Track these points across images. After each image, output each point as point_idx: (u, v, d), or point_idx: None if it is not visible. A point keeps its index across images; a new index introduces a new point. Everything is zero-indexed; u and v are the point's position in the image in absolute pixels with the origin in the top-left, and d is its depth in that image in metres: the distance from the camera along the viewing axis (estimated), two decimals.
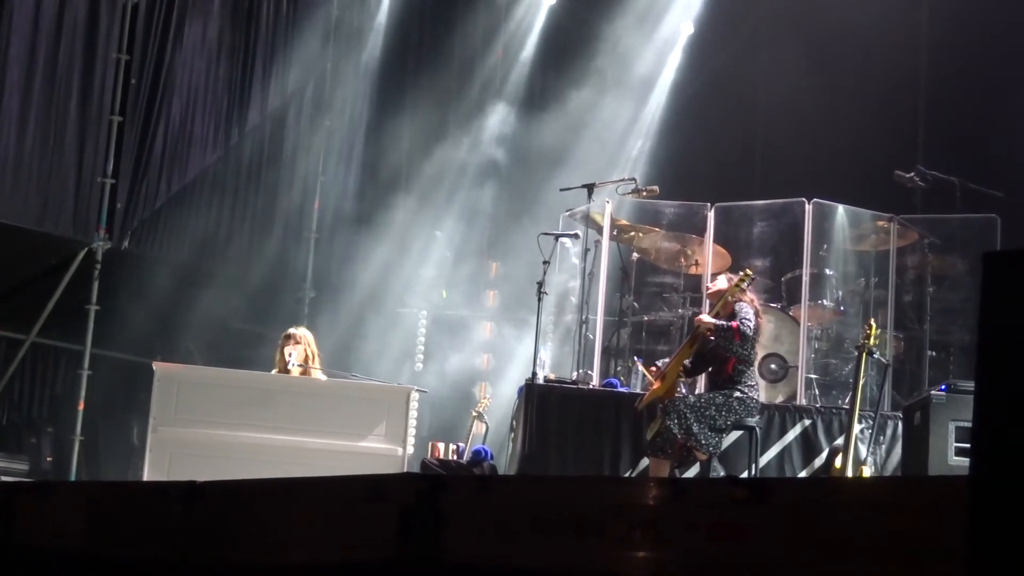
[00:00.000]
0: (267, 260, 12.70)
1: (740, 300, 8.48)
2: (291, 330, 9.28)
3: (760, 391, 8.74)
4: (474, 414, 10.67)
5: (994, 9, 12.23)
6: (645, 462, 8.64)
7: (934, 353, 10.46)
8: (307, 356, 8.99)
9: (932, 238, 10.58)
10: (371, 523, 2.80)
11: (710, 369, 8.71)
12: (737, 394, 8.26)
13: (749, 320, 8.35)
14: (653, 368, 8.74)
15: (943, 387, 8.56)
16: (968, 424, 7.93)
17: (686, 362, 8.67)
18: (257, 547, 2.98)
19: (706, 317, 8.47)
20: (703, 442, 8.09)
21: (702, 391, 9.57)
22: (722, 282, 8.69)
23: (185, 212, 12.02)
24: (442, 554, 2.66)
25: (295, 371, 8.85)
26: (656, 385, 8.43)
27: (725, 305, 8.47)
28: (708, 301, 8.90)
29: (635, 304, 10.94)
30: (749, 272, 8.57)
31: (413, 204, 13.55)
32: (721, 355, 8.40)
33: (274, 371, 9.05)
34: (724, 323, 8.32)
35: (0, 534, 3.49)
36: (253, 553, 2.97)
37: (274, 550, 2.95)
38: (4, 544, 3.47)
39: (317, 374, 8.99)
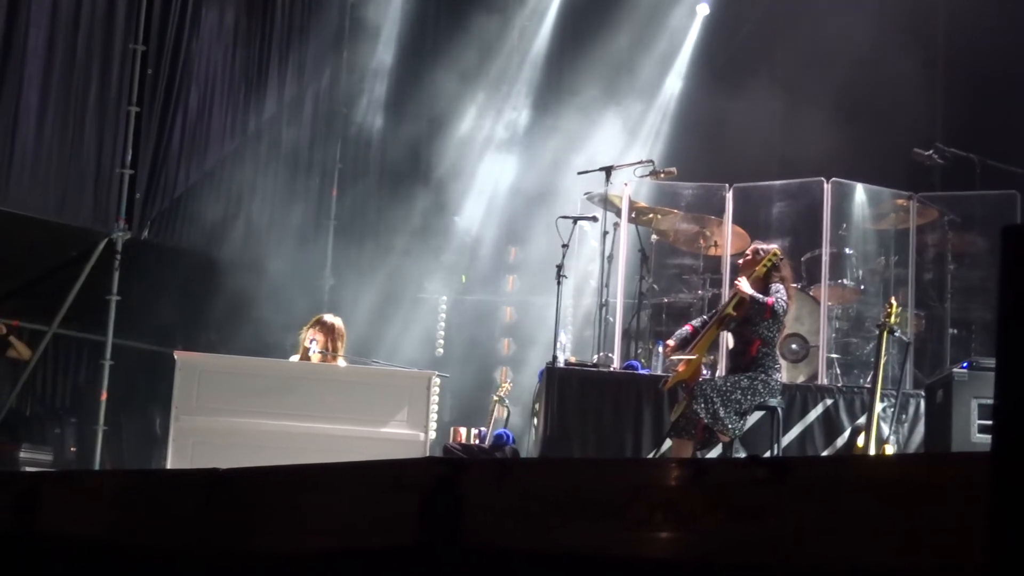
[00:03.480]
0: (286, 248, 12.72)
1: (776, 282, 8.37)
2: (324, 316, 9.21)
3: (782, 371, 8.70)
4: (495, 398, 10.67)
5: None
6: (667, 444, 8.63)
7: (955, 331, 10.43)
8: (327, 345, 8.96)
9: (952, 216, 10.54)
10: (392, 508, 2.80)
11: (732, 349, 8.66)
12: (762, 376, 8.21)
13: (784, 301, 8.28)
14: (670, 343, 8.69)
15: (965, 364, 8.53)
16: (990, 401, 7.89)
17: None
18: (279, 533, 2.99)
19: (745, 284, 8.32)
20: (729, 426, 8.05)
21: (722, 372, 9.56)
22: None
23: (204, 201, 12.04)
24: (463, 538, 2.66)
25: (315, 358, 8.85)
26: (681, 367, 8.40)
27: (756, 282, 8.35)
28: (741, 270, 8.74)
29: (654, 286, 10.93)
30: (777, 252, 8.46)
31: (431, 189, 13.55)
32: (747, 336, 8.35)
33: (295, 357, 9.05)
34: (760, 296, 8.22)
35: (26, 523, 3.50)
36: (275, 539, 2.98)
37: (296, 536, 2.96)
38: (30, 533, 3.48)
39: (338, 361, 8.98)
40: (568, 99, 13.53)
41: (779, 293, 8.28)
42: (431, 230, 13.42)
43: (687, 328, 8.69)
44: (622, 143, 12.95)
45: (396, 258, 13.18)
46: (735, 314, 8.31)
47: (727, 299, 8.71)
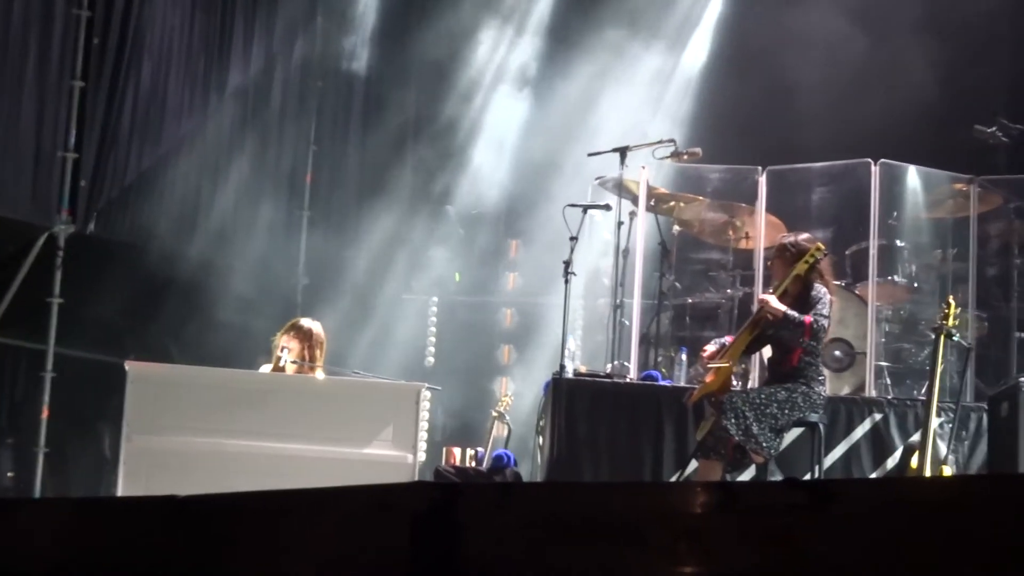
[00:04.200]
0: (254, 242, 12.72)
1: (818, 282, 8.34)
2: (301, 320, 9.24)
3: (826, 383, 8.70)
4: (494, 414, 10.69)
5: None
6: (692, 465, 8.65)
7: (1023, 334, 10.43)
8: (303, 354, 8.97)
9: (1018, 202, 10.55)
10: (378, 539, 2.81)
11: (771, 358, 8.66)
12: (802, 388, 8.21)
13: (825, 315, 8.24)
14: (705, 351, 8.69)
15: None
16: None
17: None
18: (247, 568, 3.00)
19: (774, 300, 8.30)
20: (763, 444, 8.05)
21: (755, 383, 9.58)
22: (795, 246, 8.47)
23: (159, 189, 12.05)
24: (459, 571, 2.67)
25: (289, 369, 8.86)
26: (709, 377, 8.41)
27: (796, 282, 8.34)
28: (771, 270, 8.74)
29: (677, 284, 10.95)
30: (821, 246, 8.44)
31: (420, 174, 13.55)
32: (786, 344, 8.35)
33: (266, 367, 9.06)
34: (795, 315, 8.19)
35: None
36: (243, 575, 2.99)
37: (267, 571, 2.97)
38: None
39: (316, 372, 8.99)
40: (579, 70, 13.51)
41: (819, 305, 8.24)
42: (420, 220, 13.42)
43: (728, 339, 8.71)
44: (639, 120, 12.92)
45: (379, 253, 13.18)
46: (771, 318, 8.30)
47: (749, 320, 8.69)
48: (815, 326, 8.17)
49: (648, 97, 13.33)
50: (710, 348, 8.69)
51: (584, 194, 10.62)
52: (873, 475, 9.27)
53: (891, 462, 9.31)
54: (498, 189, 13.45)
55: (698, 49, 13.67)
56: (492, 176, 13.47)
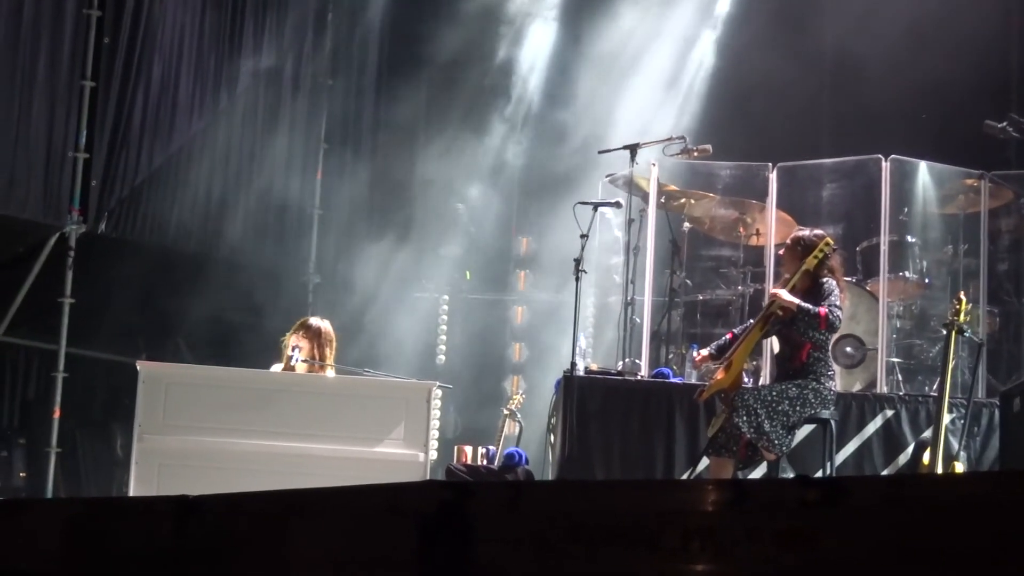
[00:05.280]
0: (264, 241, 12.72)
1: (827, 277, 8.32)
2: (311, 319, 9.24)
3: (836, 379, 8.68)
4: (505, 412, 10.69)
5: None
6: (704, 463, 8.64)
7: None
8: (313, 353, 8.98)
9: None
10: (388, 538, 2.81)
11: (779, 354, 8.64)
12: (813, 384, 8.19)
13: (839, 307, 8.22)
14: (699, 355, 8.69)
15: None
16: None
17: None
18: (258, 568, 3.00)
19: (785, 293, 8.28)
20: (775, 442, 8.04)
21: (766, 380, 9.57)
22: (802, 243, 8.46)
23: (170, 189, 12.05)
24: (470, 573, 2.67)
25: (300, 368, 8.86)
26: (720, 374, 8.39)
27: (805, 277, 8.32)
28: (783, 264, 8.74)
29: (688, 282, 10.94)
30: (830, 241, 8.42)
31: (431, 172, 13.54)
32: (795, 339, 8.32)
33: (277, 366, 9.07)
34: (809, 306, 8.16)
35: None
36: (254, 575, 2.99)
37: (278, 571, 2.97)
38: None
39: (326, 371, 8.99)
40: (587, 66, 13.49)
41: (832, 297, 8.22)
42: (431, 218, 13.41)
43: (726, 336, 8.69)
44: (649, 117, 12.91)
45: (390, 251, 13.18)
46: (781, 314, 8.29)
47: (768, 301, 8.69)
48: (831, 316, 8.13)
49: (658, 98, 13.31)
50: (704, 352, 8.67)
51: (594, 192, 10.62)
52: (885, 472, 9.25)
53: (903, 458, 9.29)
54: (509, 188, 13.43)
55: (706, 51, 13.64)
56: (503, 179, 13.47)
